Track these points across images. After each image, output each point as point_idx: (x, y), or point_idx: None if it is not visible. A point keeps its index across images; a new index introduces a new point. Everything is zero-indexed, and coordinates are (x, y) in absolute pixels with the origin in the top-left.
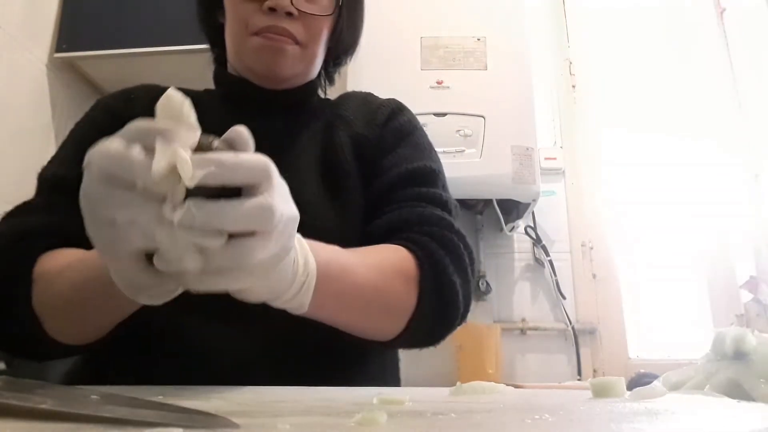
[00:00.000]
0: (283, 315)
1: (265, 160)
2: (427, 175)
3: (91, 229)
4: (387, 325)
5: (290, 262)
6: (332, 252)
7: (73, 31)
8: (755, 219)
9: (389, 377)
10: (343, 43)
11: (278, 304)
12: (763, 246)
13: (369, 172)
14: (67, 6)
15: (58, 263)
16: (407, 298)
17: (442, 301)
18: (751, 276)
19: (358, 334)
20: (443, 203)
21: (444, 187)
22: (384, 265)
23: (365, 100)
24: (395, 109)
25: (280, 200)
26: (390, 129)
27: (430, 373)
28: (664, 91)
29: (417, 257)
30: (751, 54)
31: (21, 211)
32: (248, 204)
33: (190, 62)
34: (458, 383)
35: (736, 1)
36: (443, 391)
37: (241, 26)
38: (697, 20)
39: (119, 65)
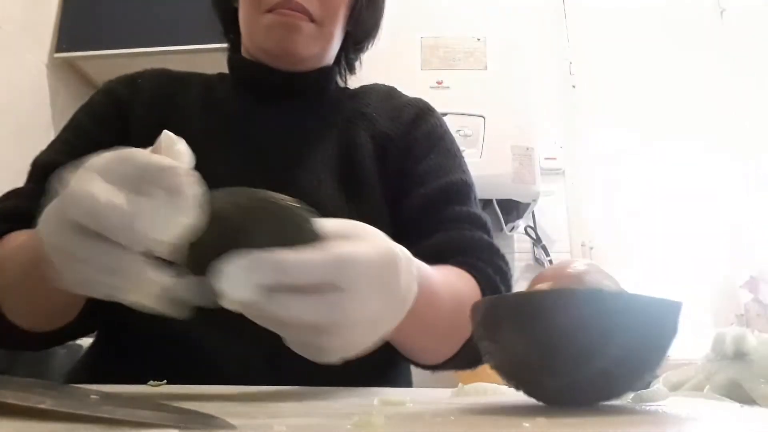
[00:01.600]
0: None
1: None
2: (464, 192)
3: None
4: (442, 351)
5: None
6: (425, 267)
7: (73, 31)
8: (755, 219)
9: (400, 377)
10: (363, 25)
11: None
12: (763, 246)
13: (394, 174)
14: (67, 6)
15: (11, 244)
16: (468, 328)
17: None
18: (751, 276)
19: (409, 354)
20: (483, 224)
21: (476, 201)
22: (460, 292)
23: (389, 94)
24: (424, 109)
25: None
26: (421, 133)
27: (427, 374)
28: (663, 91)
29: (480, 286)
30: (751, 54)
31: (5, 197)
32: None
33: (190, 62)
34: (460, 385)
35: (736, 1)
36: (446, 393)
37: (254, 4)
38: (697, 20)
39: (119, 65)
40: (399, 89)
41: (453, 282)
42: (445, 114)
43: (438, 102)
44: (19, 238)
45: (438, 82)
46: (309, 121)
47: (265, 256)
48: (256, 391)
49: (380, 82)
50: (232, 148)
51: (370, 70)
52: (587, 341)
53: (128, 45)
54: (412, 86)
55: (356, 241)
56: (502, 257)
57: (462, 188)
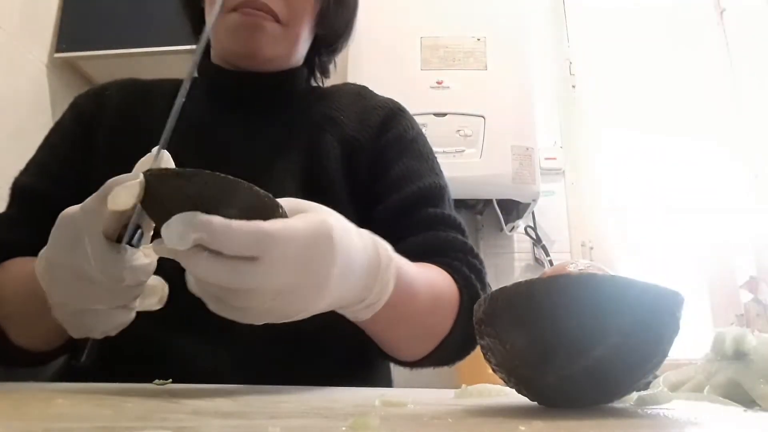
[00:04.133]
0: (268, 331)
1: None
2: (437, 195)
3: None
4: (418, 347)
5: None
6: (401, 258)
7: (73, 31)
8: (755, 218)
9: (378, 379)
10: (333, 26)
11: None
12: (763, 246)
13: (364, 179)
14: (67, 6)
15: (9, 275)
16: (445, 324)
17: (473, 331)
18: (751, 276)
19: (386, 348)
20: (458, 225)
21: (450, 203)
22: (438, 289)
23: (359, 95)
24: (394, 110)
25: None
26: (392, 136)
27: (430, 374)
28: (663, 91)
29: (457, 284)
30: (751, 54)
31: None
32: None
33: (189, 62)
34: (463, 386)
35: (736, 1)
36: (449, 394)
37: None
38: (697, 20)
39: (119, 65)
40: (398, 89)
41: (432, 279)
42: (445, 114)
43: (438, 102)
44: (13, 269)
45: (438, 82)
46: (275, 127)
47: (201, 217)
48: (262, 390)
49: (380, 82)
50: (195, 156)
51: (371, 70)
52: (583, 327)
53: (128, 45)
54: (412, 86)
55: (293, 219)
56: (477, 256)
57: (435, 191)
